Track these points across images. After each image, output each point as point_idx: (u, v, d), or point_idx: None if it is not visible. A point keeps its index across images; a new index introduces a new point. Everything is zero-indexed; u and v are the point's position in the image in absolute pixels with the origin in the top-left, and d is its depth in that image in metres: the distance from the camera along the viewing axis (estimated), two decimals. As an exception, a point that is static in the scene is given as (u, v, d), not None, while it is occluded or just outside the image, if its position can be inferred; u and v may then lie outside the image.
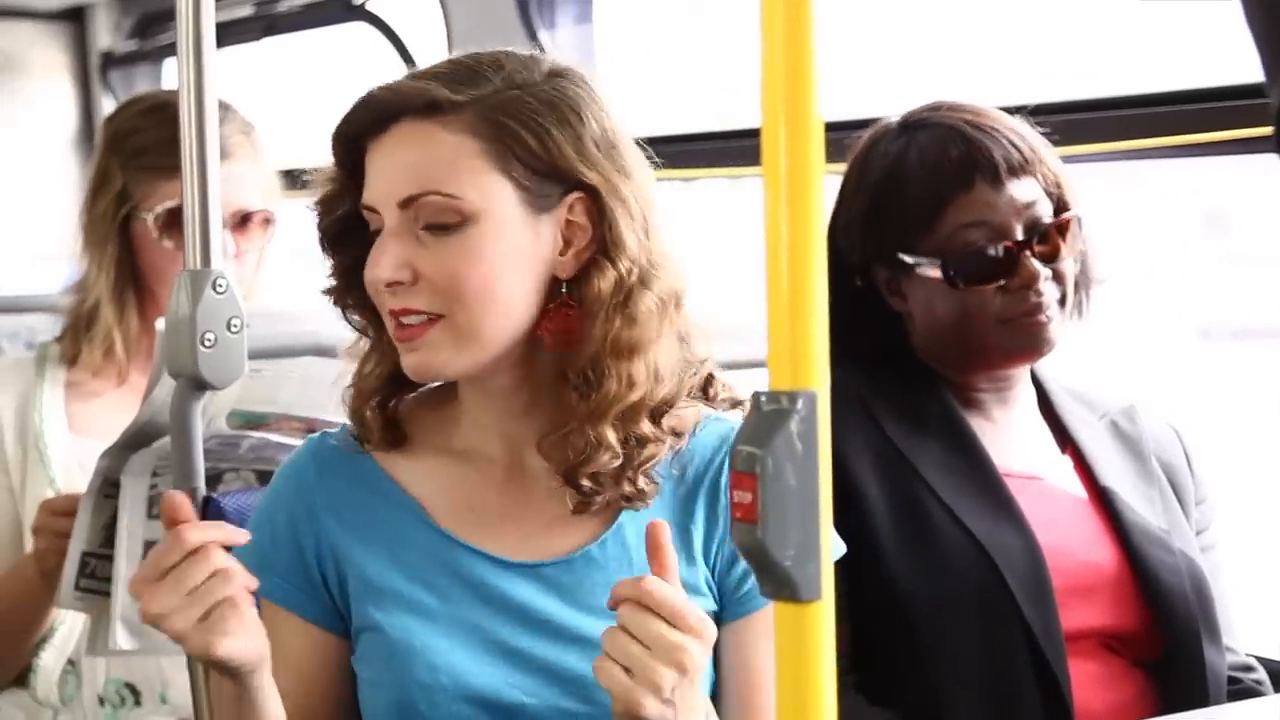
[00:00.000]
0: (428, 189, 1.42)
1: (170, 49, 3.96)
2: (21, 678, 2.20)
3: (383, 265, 1.42)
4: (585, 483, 1.45)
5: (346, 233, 1.51)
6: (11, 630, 2.14)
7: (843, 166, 1.92)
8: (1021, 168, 1.82)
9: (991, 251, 1.81)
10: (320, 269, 1.58)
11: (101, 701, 2.14)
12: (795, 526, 0.85)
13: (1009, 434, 1.91)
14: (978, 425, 1.87)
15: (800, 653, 0.86)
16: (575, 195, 1.44)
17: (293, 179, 2.56)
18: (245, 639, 1.36)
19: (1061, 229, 1.84)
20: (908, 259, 1.84)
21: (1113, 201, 2.45)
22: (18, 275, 3.31)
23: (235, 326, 1.60)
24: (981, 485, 1.83)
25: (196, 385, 1.59)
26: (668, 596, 1.29)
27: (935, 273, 1.82)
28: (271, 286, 2.34)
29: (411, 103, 1.44)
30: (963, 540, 1.79)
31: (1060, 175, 1.88)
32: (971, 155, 1.82)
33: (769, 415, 0.85)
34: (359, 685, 1.51)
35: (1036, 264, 1.81)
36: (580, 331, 1.45)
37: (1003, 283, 1.81)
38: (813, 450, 0.85)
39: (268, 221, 2.22)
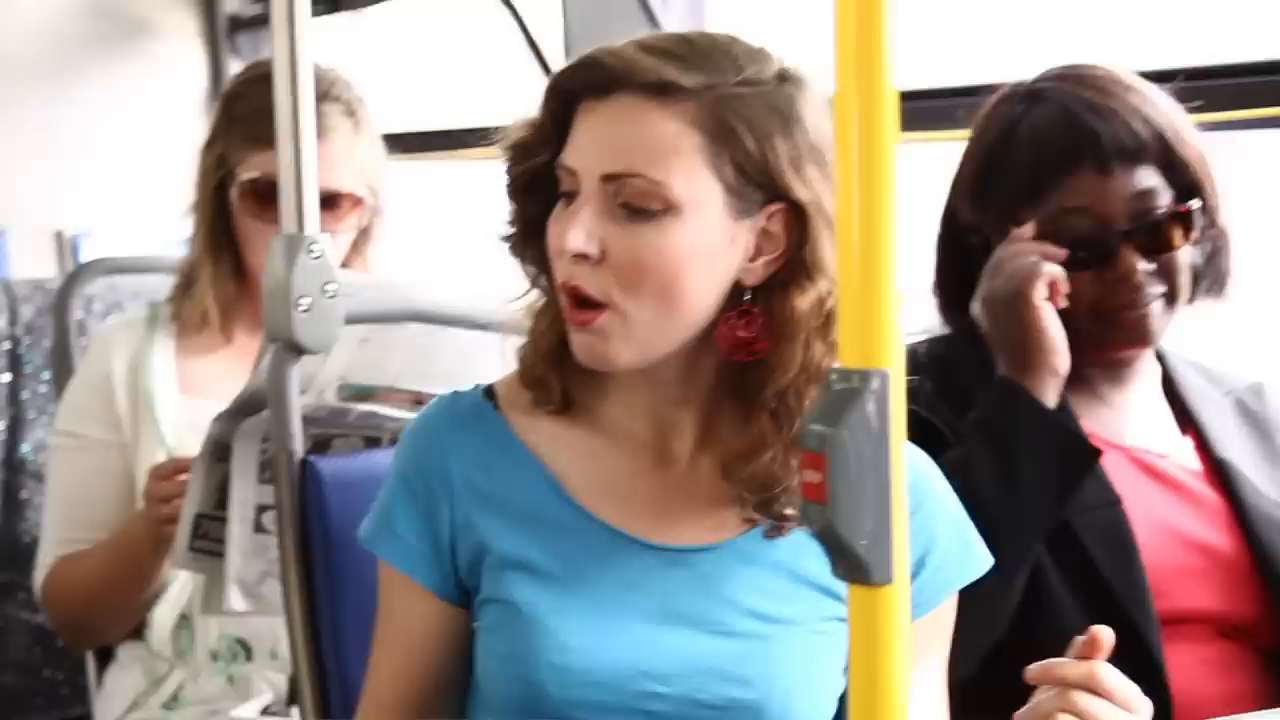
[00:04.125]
0: (636, 170, 1.37)
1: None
2: (138, 631, 2.25)
3: (574, 235, 1.37)
4: (763, 510, 1.42)
5: (536, 183, 1.45)
6: (125, 586, 2.18)
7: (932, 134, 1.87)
8: (1139, 153, 1.75)
9: (1089, 240, 1.75)
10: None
11: (214, 656, 2.18)
12: (867, 508, 0.84)
13: (1123, 411, 1.85)
14: (1085, 402, 1.81)
15: (872, 636, 0.85)
16: (778, 206, 1.39)
17: (405, 142, 2.58)
18: None
19: (1181, 218, 1.77)
20: (1011, 229, 1.78)
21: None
22: (144, 236, 3.37)
23: (330, 291, 1.61)
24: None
25: (292, 349, 1.61)
26: (1121, 684, 1.32)
27: None
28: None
29: (640, 77, 1.38)
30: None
31: (1199, 156, 1.79)
32: (1079, 140, 1.75)
33: (840, 394, 0.83)
34: (481, 654, 1.47)
35: (1136, 257, 1.74)
36: (758, 343, 1.40)
37: (1099, 272, 1.76)
38: (884, 430, 0.84)
39: (358, 203, 2.22)
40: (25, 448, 2.94)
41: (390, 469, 1.51)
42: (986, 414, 1.74)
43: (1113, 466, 1.77)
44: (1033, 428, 1.71)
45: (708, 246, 1.39)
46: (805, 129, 1.39)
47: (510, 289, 1.52)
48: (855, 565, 0.85)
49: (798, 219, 1.39)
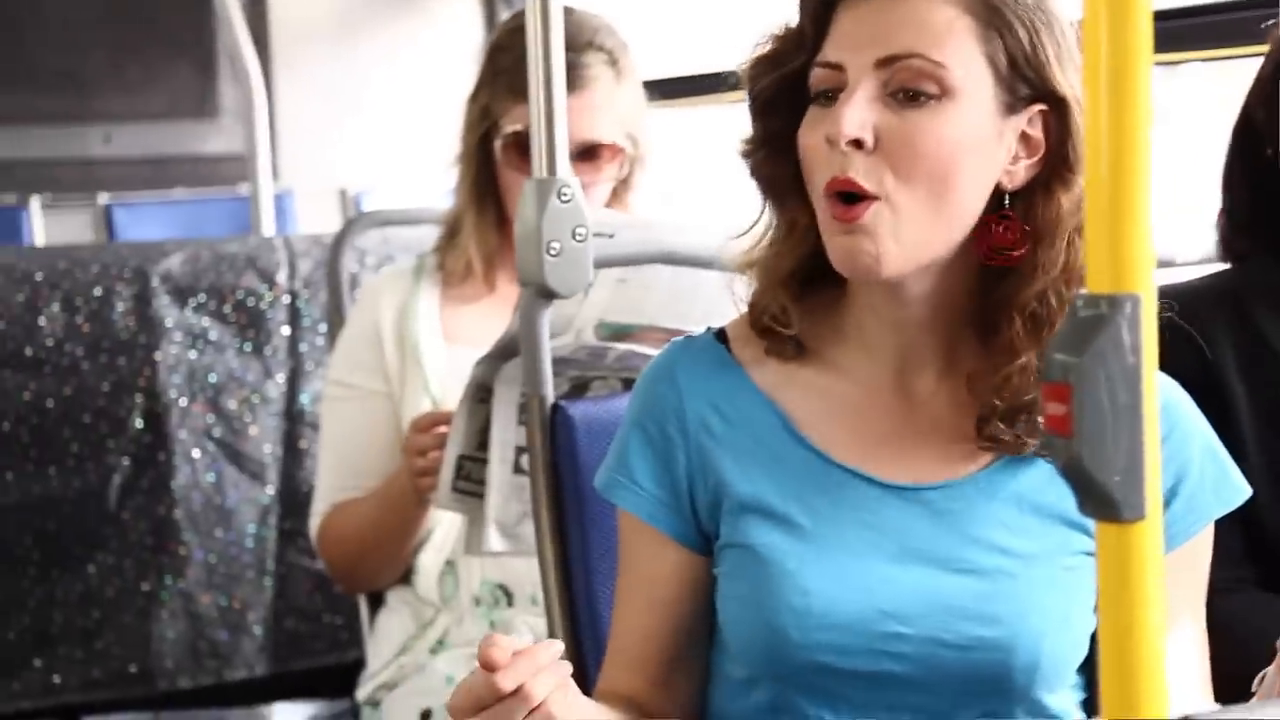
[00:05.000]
0: (915, 50, 1.33)
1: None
2: (406, 577, 2.30)
3: (848, 119, 1.32)
4: (1007, 424, 1.38)
5: (783, 93, 1.41)
6: (392, 534, 2.23)
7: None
8: None
9: None
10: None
11: (476, 601, 2.21)
12: (1116, 441, 0.79)
13: None
14: None
15: (1124, 575, 0.81)
16: (1039, 107, 1.36)
17: (665, 88, 2.56)
18: None
19: None
20: None
21: None
22: (417, 189, 3.43)
23: (580, 235, 1.61)
24: None
25: (544, 293, 1.62)
26: None
27: None
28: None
29: None
30: None
31: None
32: None
33: (1086, 321, 0.78)
34: (722, 600, 1.45)
35: None
36: (1017, 248, 1.37)
37: None
38: (1137, 360, 0.79)
39: (619, 153, 2.21)
40: (304, 398, 3.01)
41: (625, 414, 1.50)
42: None
43: None
44: None
45: (980, 138, 1.35)
46: (1065, 29, 1.36)
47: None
48: (1104, 502, 0.81)
49: (1058, 119, 1.36)
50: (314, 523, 2.33)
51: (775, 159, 1.43)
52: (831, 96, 1.36)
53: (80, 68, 4.74)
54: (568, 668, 1.29)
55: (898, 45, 1.33)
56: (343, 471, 2.30)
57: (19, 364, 2.86)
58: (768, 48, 1.43)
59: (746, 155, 1.46)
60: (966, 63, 1.34)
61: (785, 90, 1.41)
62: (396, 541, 2.24)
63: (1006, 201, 1.38)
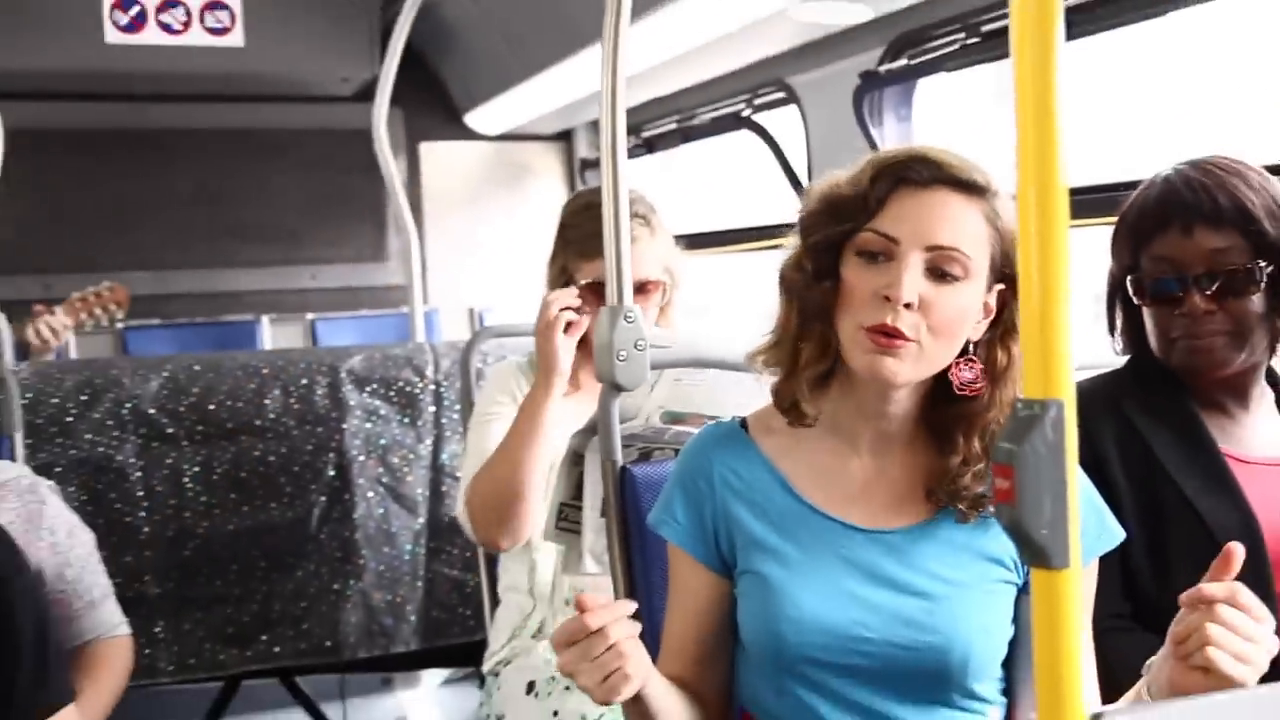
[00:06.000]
0: (957, 246, 1.29)
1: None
2: (520, 581, 2.20)
3: (907, 288, 1.28)
4: (948, 494, 1.35)
5: (833, 241, 1.35)
6: (522, 455, 2.05)
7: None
8: (1222, 219, 1.57)
9: (1168, 284, 1.60)
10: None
11: (567, 602, 2.13)
12: (1046, 508, 0.76)
13: (1248, 428, 1.66)
14: (1217, 421, 1.64)
15: (1054, 612, 0.77)
16: (999, 286, 1.34)
17: (697, 241, 2.52)
18: (631, 686, 1.26)
19: (1248, 273, 1.57)
20: (1131, 276, 1.65)
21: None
22: (521, 307, 3.40)
23: (640, 346, 1.59)
24: (1205, 467, 1.59)
25: (615, 388, 1.59)
26: (1255, 601, 1.17)
27: (1132, 291, 1.64)
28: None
29: (959, 177, 1.31)
30: (1186, 513, 1.57)
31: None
32: (1172, 204, 1.60)
33: (1024, 419, 0.76)
34: (740, 612, 1.41)
35: (1200, 300, 1.58)
36: (977, 384, 1.34)
37: (1176, 311, 1.60)
38: (1060, 446, 0.76)
39: (660, 285, 2.15)
40: (444, 456, 2.98)
41: (670, 474, 1.47)
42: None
43: (1241, 473, 1.59)
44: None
45: (974, 306, 1.32)
46: (1012, 226, 1.33)
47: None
48: (1038, 553, 0.77)
49: (1011, 293, 1.33)
50: (459, 505, 2.17)
51: (815, 288, 1.37)
52: (878, 257, 1.32)
53: (296, 227, 4.78)
54: (637, 626, 1.26)
55: (944, 239, 1.30)
56: (480, 459, 2.14)
57: (251, 431, 2.84)
58: (829, 203, 1.37)
59: (789, 279, 1.40)
60: (980, 255, 1.31)
61: (836, 238, 1.35)
62: (524, 466, 2.05)
63: (971, 349, 1.35)
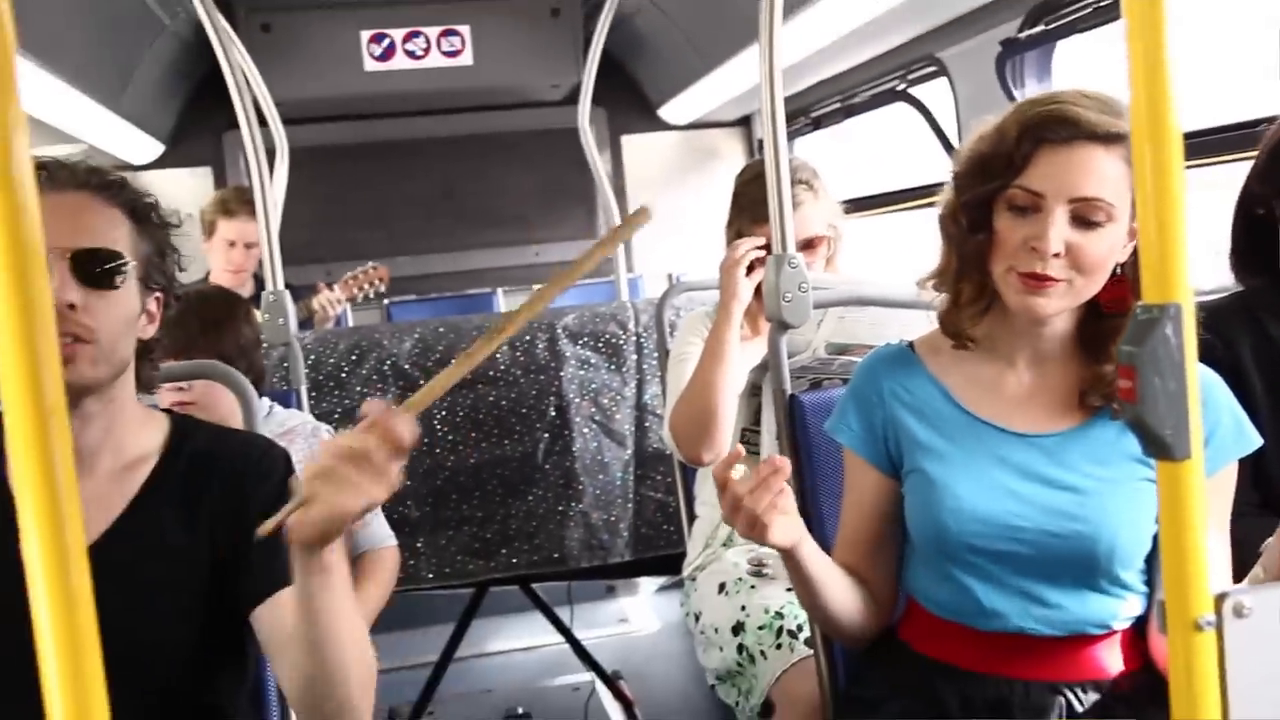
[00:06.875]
0: (1100, 196, 1.23)
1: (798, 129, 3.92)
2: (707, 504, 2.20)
3: (1053, 239, 1.23)
4: (1118, 404, 1.28)
5: (985, 195, 1.30)
6: (713, 378, 2.02)
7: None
8: None
9: None
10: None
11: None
12: (1166, 405, 0.70)
13: None
14: None
15: (1177, 499, 0.70)
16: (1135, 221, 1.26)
17: (858, 205, 2.44)
18: (781, 533, 1.26)
19: None
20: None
21: None
22: (710, 269, 3.37)
23: (804, 288, 1.56)
24: None
25: (781, 324, 1.57)
26: None
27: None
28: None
29: (1099, 130, 1.23)
30: None
31: None
32: None
33: (1144, 322, 0.69)
34: (907, 507, 1.38)
35: None
36: (1128, 301, 1.28)
37: None
38: (1179, 347, 0.69)
39: (826, 240, 2.11)
40: (646, 396, 2.99)
41: (845, 390, 1.45)
42: None
43: None
44: None
45: (1119, 243, 1.26)
46: None
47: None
48: (1161, 447, 0.71)
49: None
50: (665, 430, 2.15)
51: (970, 240, 1.32)
52: (1026, 211, 1.26)
53: (522, 214, 4.86)
54: (786, 488, 1.25)
55: (1087, 190, 1.23)
56: (680, 391, 2.12)
57: (486, 380, 2.90)
58: (979, 163, 1.31)
59: (948, 226, 1.35)
60: (1122, 198, 1.24)
61: (985, 196, 1.30)
62: (717, 383, 2.00)
63: (1119, 270, 1.29)
